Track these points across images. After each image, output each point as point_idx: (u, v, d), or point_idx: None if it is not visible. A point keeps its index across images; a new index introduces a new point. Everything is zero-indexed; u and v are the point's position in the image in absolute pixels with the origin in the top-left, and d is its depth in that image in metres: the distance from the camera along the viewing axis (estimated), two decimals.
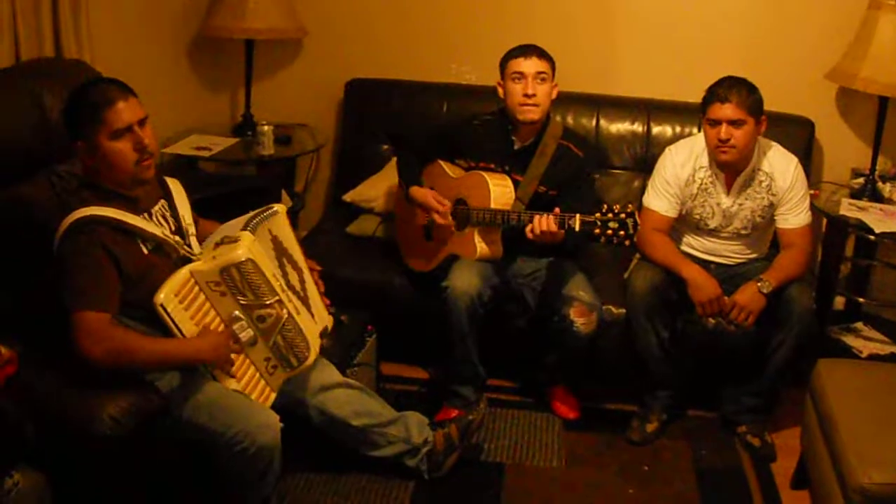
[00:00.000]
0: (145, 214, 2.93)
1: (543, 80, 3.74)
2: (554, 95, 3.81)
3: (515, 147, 3.84)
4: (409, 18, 4.87)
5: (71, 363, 2.67)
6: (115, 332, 2.69)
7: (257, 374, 2.96)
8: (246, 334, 2.90)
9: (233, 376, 2.89)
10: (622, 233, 3.30)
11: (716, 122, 3.59)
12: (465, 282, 3.64)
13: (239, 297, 2.87)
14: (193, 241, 3.04)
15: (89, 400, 2.65)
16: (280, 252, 3.09)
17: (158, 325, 2.79)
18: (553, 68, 3.77)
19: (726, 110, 3.56)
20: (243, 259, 2.83)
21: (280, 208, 3.14)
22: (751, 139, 3.65)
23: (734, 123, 3.57)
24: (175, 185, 3.15)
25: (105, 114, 2.76)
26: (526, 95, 3.71)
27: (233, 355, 2.90)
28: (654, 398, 3.90)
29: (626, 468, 3.67)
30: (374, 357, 3.82)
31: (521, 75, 3.72)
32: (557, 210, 3.46)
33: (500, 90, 3.83)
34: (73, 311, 2.66)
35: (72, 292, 2.68)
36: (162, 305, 2.75)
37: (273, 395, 2.99)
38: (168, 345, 2.79)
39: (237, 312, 2.89)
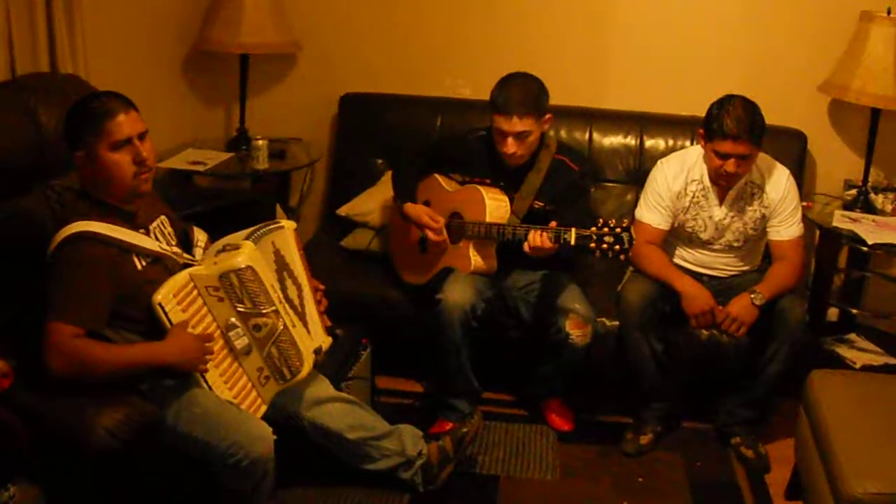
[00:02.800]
0: (142, 230, 2.94)
1: (526, 136, 3.66)
2: (545, 128, 3.75)
3: (511, 163, 3.83)
4: (403, 33, 4.88)
5: None
6: (78, 344, 2.70)
7: (249, 384, 2.97)
8: (241, 342, 2.92)
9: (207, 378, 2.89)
10: (617, 247, 3.32)
11: (724, 156, 3.58)
12: (458, 295, 3.65)
13: (236, 304, 2.89)
14: (198, 251, 3.07)
15: (84, 412, 2.65)
16: (281, 266, 3.10)
17: (158, 338, 2.81)
18: (539, 115, 3.66)
19: (739, 148, 3.54)
20: (243, 266, 2.86)
21: (288, 225, 3.17)
22: (753, 164, 3.68)
23: (743, 157, 3.58)
24: (200, 234, 3.20)
25: (105, 125, 2.79)
26: (505, 153, 3.68)
27: (225, 363, 2.91)
28: (649, 410, 3.90)
29: (620, 480, 3.67)
30: (369, 370, 3.82)
31: (503, 133, 3.65)
32: (554, 223, 3.47)
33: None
34: (46, 320, 2.70)
35: (50, 302, 2.72)
36: (160, 304, 2.78)
37: (264, 407, 3.00)
38: (132, 351, 2.80)
39: (233, 319, 2.91)
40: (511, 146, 3.65)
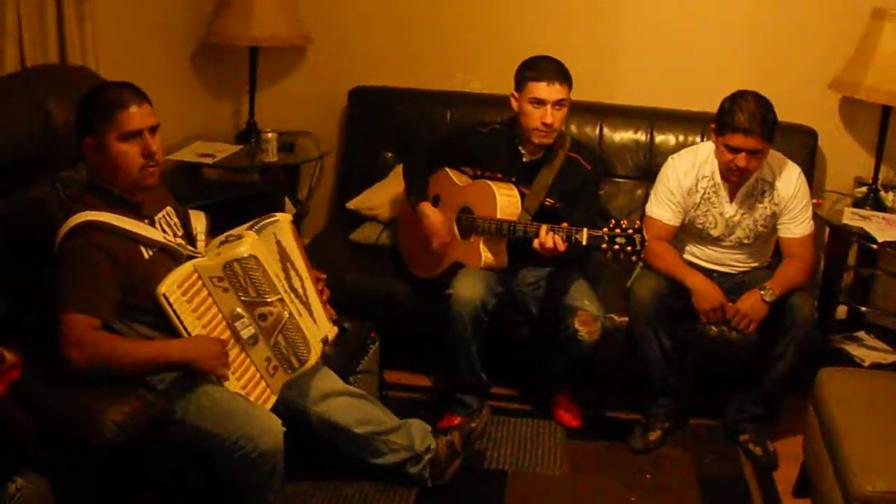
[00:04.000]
0: (147, 220, 2.95)
1: (562, 105, 3.69)
2: (566, 113, 3.77)
3: (524, 159, 3.82)
4: (413, 27, 4.88)
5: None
6: (99, 337, 2.71)
7: (258, 375, 2.97)
8: (247, 331, 2.92)
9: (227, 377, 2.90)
10: (629, 248, 3.29)
11: (735, 150, 3.57)
12: (469, 290, 3.64)
13: (241, 294, 2.89)
14: (200, 245, 3.07)
15: (92, 405, 2.64)
16: (284, 257, 3.10)
17: (166, 329, 2.81)
18: (570, 88, 3.71)
19: (750, 143, 3.53)
20: (246, 255, 2.86)
21: (283, 217, 3.15)
22: (764, 161, 3.66)
23: (754, 152, 3.57)
24: (197, 216, 3.19)
25: (118, 115, 2.80)
26: (544, 124, 3.67)
27: (233, 353, 2.91)
28: (657, 406, 3.90)
29: (628, 476, 3.66)
30: (378, 364, 3.81)
31: (541, 102, 3.65)
32: (565, 224, 3.45)
33: (514, 103, 3.76)
34: (60, 311, 2.70)
35: (63, 293, 2.72)
36: (164, 296, 2.78)
37: (273, 398, 2.99)
38: (152, 346, 2.81)
39: (239, 309, 2.91)
40: (549, 115, 3.64)
